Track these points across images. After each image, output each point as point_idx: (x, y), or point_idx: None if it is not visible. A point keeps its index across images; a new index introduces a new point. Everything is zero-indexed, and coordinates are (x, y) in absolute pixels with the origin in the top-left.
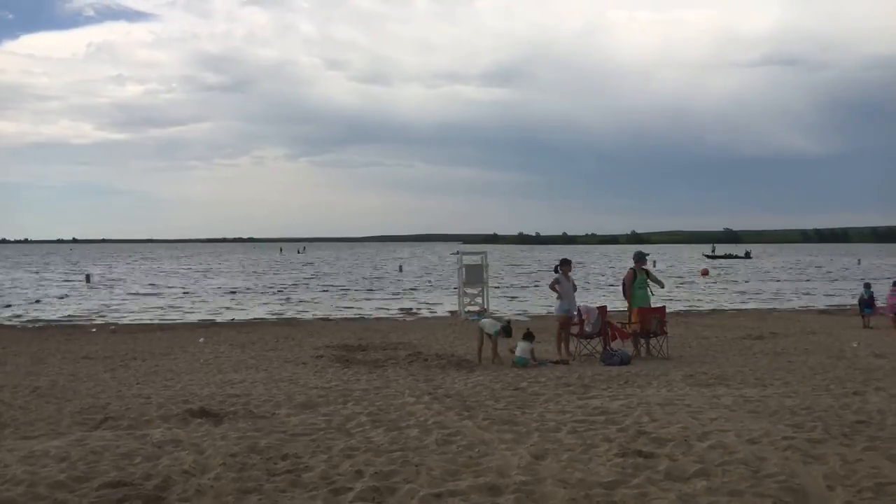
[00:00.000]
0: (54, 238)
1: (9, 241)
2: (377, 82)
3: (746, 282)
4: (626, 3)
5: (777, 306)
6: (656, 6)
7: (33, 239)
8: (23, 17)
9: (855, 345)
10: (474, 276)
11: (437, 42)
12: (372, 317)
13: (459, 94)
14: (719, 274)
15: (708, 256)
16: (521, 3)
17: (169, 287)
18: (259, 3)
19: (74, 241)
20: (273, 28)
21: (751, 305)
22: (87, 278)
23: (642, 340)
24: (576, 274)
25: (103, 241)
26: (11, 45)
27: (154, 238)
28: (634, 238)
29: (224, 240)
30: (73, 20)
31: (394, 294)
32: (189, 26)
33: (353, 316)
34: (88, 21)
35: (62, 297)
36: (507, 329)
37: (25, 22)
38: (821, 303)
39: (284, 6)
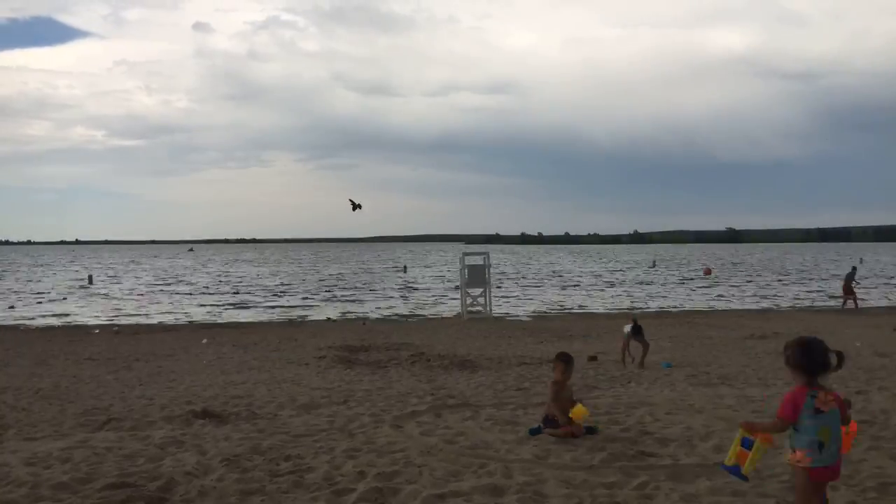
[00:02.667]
0: (57, 240)
1: (12, 243)
2: (380, 93)
3: (749, 281)
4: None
5: (779, 305)
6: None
7: (36, 240)
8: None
9: (858, 344)
10: (476, 276)
11: (439, 55)
12: (374, 317)
13: (461, 103)
14: (720, 274)
15: None
16: (528, 21)
17: (170, 287)
18: (266, 27)
19: (77, 242)
20: (281, 45)
21: (753, 305)
22: (90, 279)
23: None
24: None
25: (106, 242)
26: (35, 59)
27: (157, 239)
28: (637, 237)
29: (226, 240)
30: (98, 36)
31: (397, 294)
32: (197, 45)
33: (355, 317)
34: (108, 37)
35: (64, 299)
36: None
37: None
38: (823, 302)
39: (292, 27)
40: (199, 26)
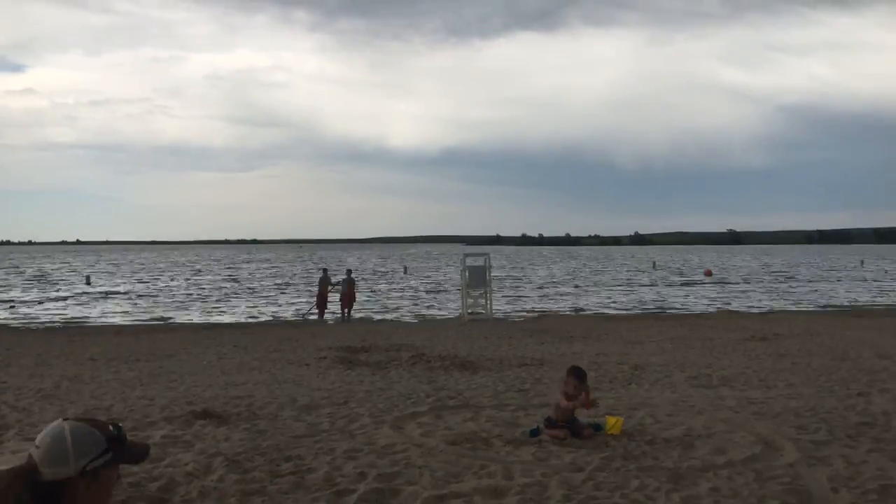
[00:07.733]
0: (58, 240)
1: (13, 243)
2: (382, 108)
3: (749, 283)
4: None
5: (780, 307)
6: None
7: (37, 241)
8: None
9: None
10: (477, 277)
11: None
12: (375, 318)
13: (461, 117)
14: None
15: None
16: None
17: (171, 288)
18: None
19: (78, 242)
20: (285, 70)
21: (753, 306)
22: (88, 280)
23: None
24: None
25: (106, 242)
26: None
27: (158, 240)
28: (638, 239)
29: (227, 241)
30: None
31: (398, 295)
32: (207, 71)
33: (356, 317)
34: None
35: (65, 299)
36: None
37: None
38: (824, 303)
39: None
40: (208, 58)
